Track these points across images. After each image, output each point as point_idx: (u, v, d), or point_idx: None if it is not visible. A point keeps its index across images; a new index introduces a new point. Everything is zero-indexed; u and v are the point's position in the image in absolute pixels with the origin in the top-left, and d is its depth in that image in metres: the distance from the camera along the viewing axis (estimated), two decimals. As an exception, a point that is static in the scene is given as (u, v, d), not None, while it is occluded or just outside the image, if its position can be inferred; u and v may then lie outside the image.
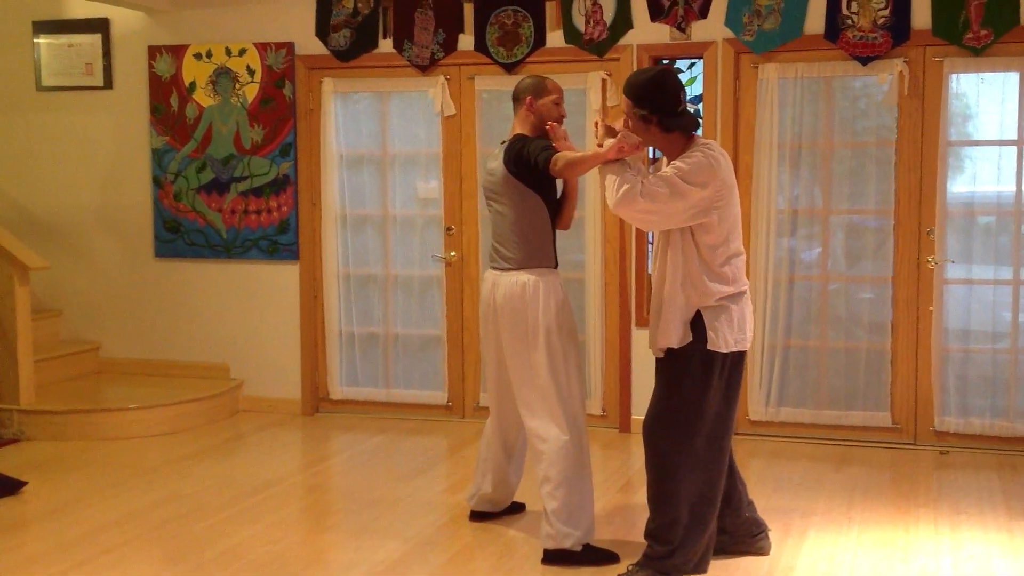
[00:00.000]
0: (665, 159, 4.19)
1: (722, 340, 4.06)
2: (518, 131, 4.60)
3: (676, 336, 4.06)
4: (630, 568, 4.18)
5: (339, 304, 7.04)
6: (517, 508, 5.02)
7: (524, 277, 4.51)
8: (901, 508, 5.13)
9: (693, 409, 4.07)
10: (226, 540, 4.76)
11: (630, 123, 4.11)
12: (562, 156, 4.28)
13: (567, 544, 4.38)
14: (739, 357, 4.16)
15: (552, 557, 4.41)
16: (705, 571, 4.20)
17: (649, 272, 4.54)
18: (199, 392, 6.94)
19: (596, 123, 4.36)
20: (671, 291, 4.06)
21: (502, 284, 4.55)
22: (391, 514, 5.10)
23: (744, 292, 4.15)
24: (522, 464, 4.90)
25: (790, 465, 5.86)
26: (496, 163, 4.59)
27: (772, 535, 4.69)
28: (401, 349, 7.03)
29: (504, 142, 4.62)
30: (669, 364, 4.13)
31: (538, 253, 4.54)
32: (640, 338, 6.33)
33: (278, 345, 7.15)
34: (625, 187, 3.96)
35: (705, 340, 4.05)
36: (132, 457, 6.12)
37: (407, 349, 7.03)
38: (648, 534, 4.18)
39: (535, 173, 4.41)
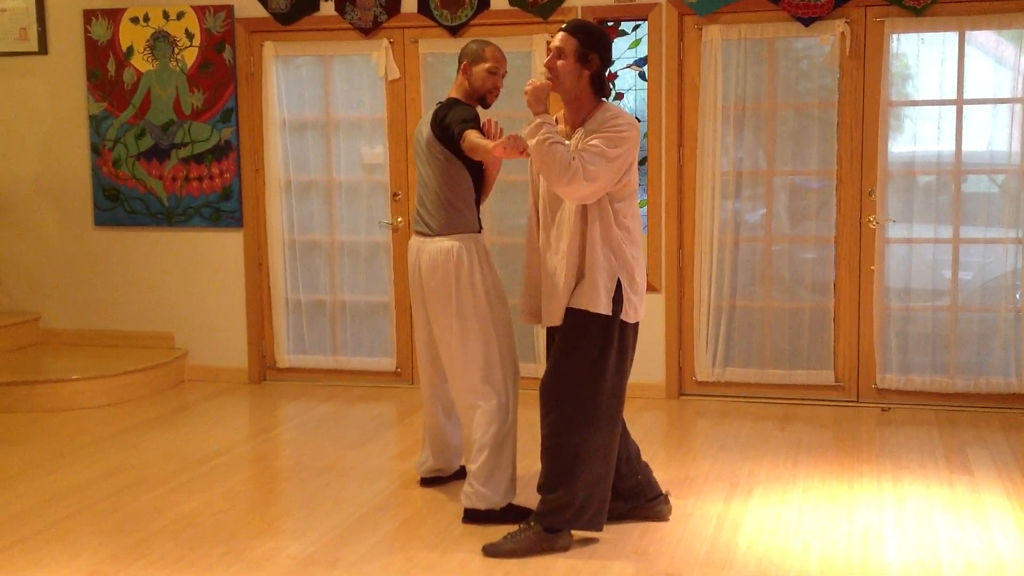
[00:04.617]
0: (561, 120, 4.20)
1: (633, 311, 4.14)
2: (452, 95, 4.58)
3: (604, 303, 4.07)
4: (522, 525, 4.23)
5: (285, 271, 6.98)
6: (465, 473, 5.05)
7: (448, 243, 4.51)
8: (844, 464, 5.22)
9: (596, 372, 4.11)
10: (174, 511, 4.73)
11: (558, 62, 4.07)
12: (468, 136, 4.27)
13: (483, 505, 4.46)
14: (638, 323, 4.25)
15: (471, 516, 4.49)
16: (600, 528, 4.23)
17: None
18: (143, 362, 6.85)
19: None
20: (594, 261, 4.06)
21: (426, 251, 4.55)
22: (340, 481, 5.09)
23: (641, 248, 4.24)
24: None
25: (736, 424, 5.93)
26: (426, 126, 4.57)
27: (719, 493, 4.76)
28: (348, 316, 6.99)
29: (439, 103, 4.60)
30: (575, 327, 4.12)
31: (461, 218, 4.53)
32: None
33: (223, 313, 7.08)
34: (569, 171, 3.93)
35: (620, 310, 4.09)
36: (76, 429, 6.04)
37: (354, 316, 6.99)
38: (542, 489, 4.22)
39: (453, 142, 4.39)
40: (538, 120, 4.01)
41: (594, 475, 4.15)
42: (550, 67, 4.10)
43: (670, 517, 4.50)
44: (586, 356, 4.11)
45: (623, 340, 4.16)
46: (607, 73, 4.16)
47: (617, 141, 4.00)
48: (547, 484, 4.21)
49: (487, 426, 4.46)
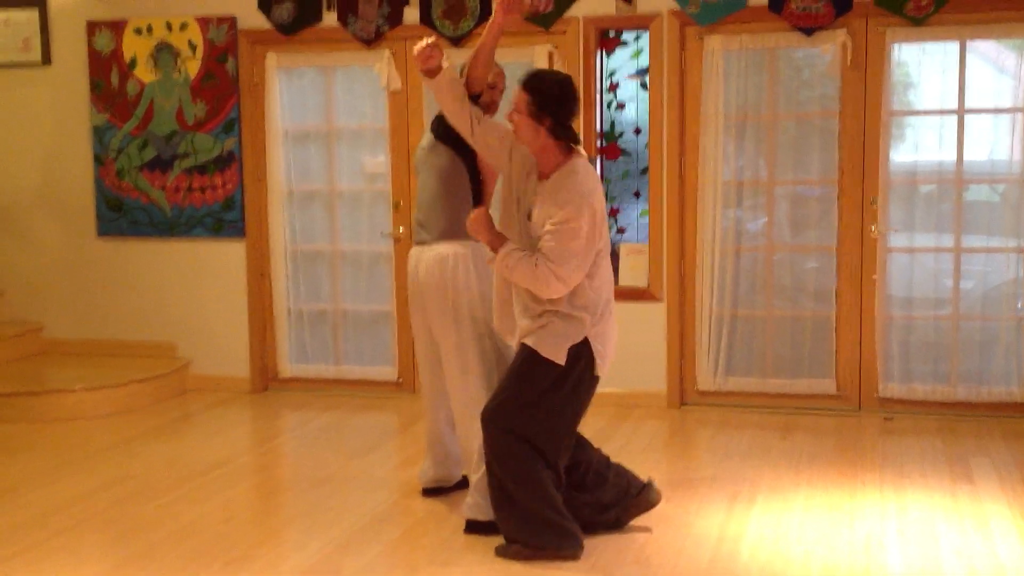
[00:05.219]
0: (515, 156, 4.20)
1: (604, 363, 4.14)
2: None
3: (564, 355, 4.06)
4: (501, 547, 4.27)
5: (287, 281, 6.98)
6: (468, 483, 5.05)
7: (445, 250, 4.53)
8: (847, 473, 5.21)
9: (537, 413, 4.10)
10: (176, 520, 4.73)
11: (516, 117, 4.04)
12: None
13: (484, 516, 4.45)
14: (598, 377, 4.22)
15: (473, 527, 4.49)
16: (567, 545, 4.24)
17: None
18: (146, 372, 6.86)
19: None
20: (567, 314, 4.04)
21: (424, 259, 4.57)
22: (343, 491, 5.09)
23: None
24: None
25: (738, 434, 5.93)
26: (427, 136, 4.62)
27: (721, 502, 4.77)
28: (350, 326, 7.00)
29: (438, 114, 4.62)
30: (536, 365, 4.09)
31: (458, 226, 4.52)
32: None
33: (225, 323, 7.09)
34: (541, 281, 3.94)
35: (588, 360, 4.08)
36: (79, 439, 6.05)
37: (356, 325, 7.00)
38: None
39: (452, 130, 4.38)
40: (501, 252, 4.03)
41: (535, 512, 4.15)
42: (509, 119, 4.09)
43: (661, 499, 4.49)
44: (531, 397, 4.10)
45: (576, 389, 4.13)
46: (570, 122, 4.05)
47: (575, 230, 3.93)
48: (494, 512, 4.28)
49: None
